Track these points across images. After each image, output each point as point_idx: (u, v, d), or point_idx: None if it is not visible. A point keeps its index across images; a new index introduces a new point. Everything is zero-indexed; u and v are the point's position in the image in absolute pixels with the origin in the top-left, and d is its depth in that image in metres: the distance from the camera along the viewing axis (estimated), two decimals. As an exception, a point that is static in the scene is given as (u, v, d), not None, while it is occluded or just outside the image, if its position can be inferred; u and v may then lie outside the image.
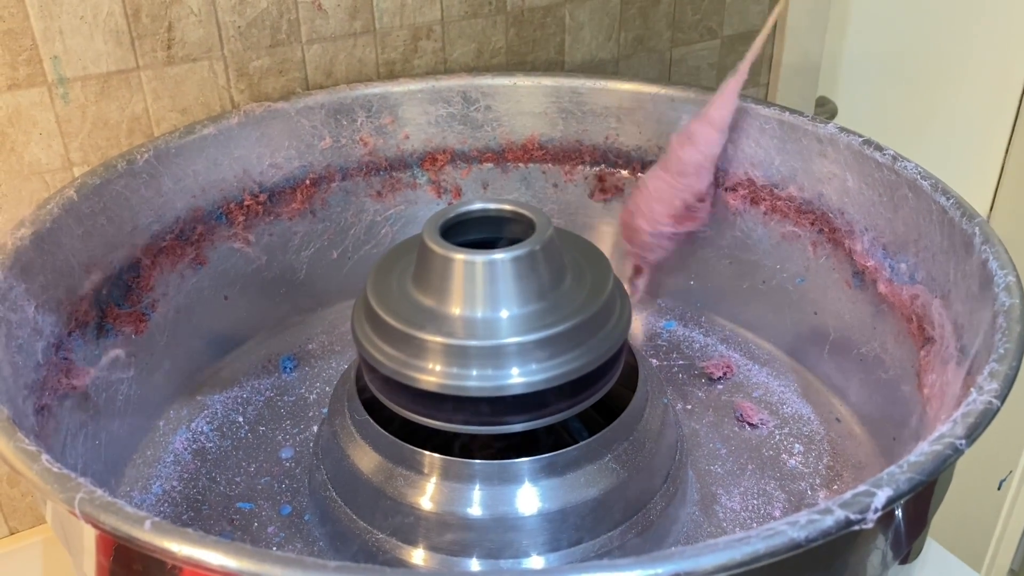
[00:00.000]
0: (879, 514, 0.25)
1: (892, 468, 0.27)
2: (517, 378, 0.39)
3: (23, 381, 0.38)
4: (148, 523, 0.25)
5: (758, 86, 0.77)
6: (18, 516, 0.60)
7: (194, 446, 0.50)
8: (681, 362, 0.56)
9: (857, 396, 0.51)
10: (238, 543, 0.25)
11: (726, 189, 0.57)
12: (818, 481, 0.47)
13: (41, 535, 0.60)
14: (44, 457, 0.28)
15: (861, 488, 0.26)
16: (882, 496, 0.25)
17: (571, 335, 0.40)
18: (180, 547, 0.25)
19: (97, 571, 0.32)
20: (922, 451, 0.28)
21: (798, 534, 0.24)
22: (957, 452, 0.28)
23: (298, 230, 0.57)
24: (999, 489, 1.13)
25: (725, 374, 0.55)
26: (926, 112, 1.05)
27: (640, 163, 0.59)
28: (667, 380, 0.54)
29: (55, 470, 0.28)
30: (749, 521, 0.45)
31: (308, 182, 0.57)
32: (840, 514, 0.25)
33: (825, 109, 0.92)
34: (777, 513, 0.46)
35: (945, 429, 0.29)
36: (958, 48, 1.01)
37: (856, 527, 0.25)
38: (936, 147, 1.05)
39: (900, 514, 0.30)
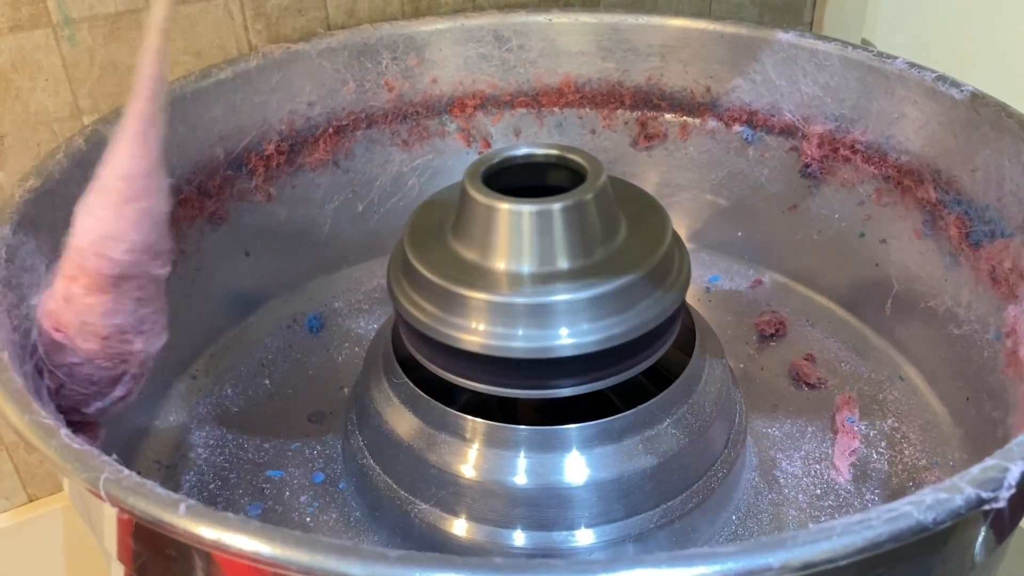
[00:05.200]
0: (1012, 491, 0.22)
1: (1021, 438, 0.24)
2: (566, 339, 0.36)
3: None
4: (183, 507, 0.22)
5: (801, 24, 0.73)
6: (36, 483, 0.58)
7: (218, 411, 0.47)
8: (729, 318, 0.53)
9: (923, 353, 0.48)
10: (284, 529, 0.22)
11: (778, 133, 0.53)
12: (884, 443, 0.44)
13: (60, 502, 0.58)
14: (63, 432, 0.25)
15: (990, 462, 0.23)
16: (1016, 470, 0.22)
17: (626, 293, 0.37)
18: (220, 534, 0.22)
19: (120, 550, 0.29)
20: (1052, 418, 0.25)
21: (925, 516, 0.21)
22: (1090, 417, 0.25)
23: (321, 182, 0.54)
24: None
25: (778, 331, 0.52)
26: (967, 56, 1.00)
27: (685, 106, 0.55)
28: (715, 337, 0.51)
29: (76, 447, 0.25)
30: (812, 487, 0.43)
31: (331, 130, 0.53)
32: (970, 492, 0.22)
33: (866, 50, 0.87)
34: (841, 479, 0.43)
35: (1073, 393, 0.25)
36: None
37: (988, 506, 0.22)
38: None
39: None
